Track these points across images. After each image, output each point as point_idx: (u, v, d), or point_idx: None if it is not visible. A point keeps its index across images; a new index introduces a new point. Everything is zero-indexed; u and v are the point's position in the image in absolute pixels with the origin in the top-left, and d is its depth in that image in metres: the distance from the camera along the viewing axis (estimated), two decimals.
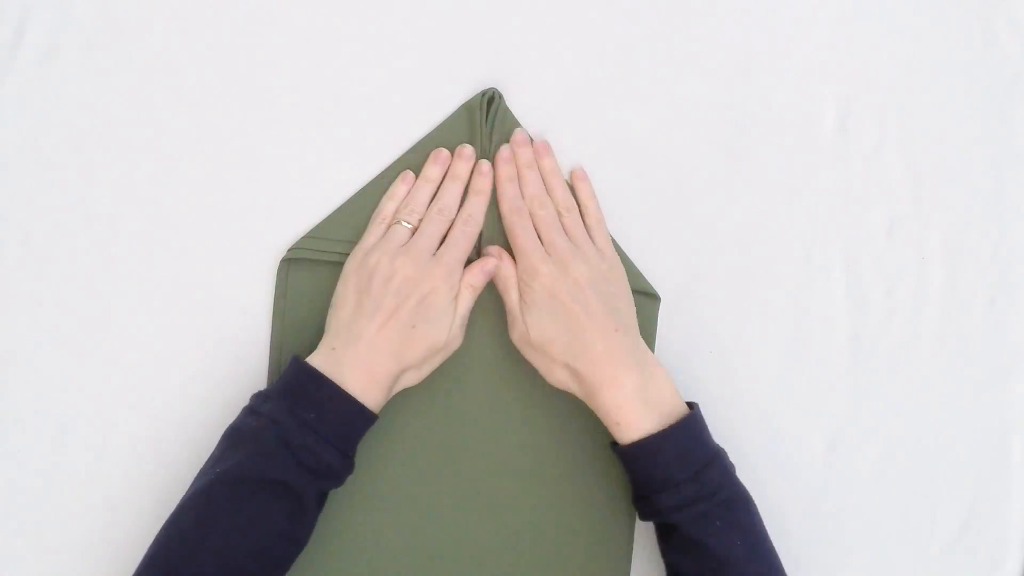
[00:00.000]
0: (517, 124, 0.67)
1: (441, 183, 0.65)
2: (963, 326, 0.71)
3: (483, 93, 0.67)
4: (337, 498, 0.62)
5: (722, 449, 0.61)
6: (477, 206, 0.64)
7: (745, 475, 0.66)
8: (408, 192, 0.65)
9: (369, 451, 0.64)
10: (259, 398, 0.59)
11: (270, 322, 0.66)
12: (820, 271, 0.71)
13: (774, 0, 0.72)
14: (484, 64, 0.69)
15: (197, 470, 0.65)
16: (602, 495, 0.67)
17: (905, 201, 0.72)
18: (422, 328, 0.60)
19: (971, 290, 0.72)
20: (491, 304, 0.66)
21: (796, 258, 0.71)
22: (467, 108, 0.67)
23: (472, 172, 0.65)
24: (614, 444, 0.61)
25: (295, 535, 0.58)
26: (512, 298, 0.63)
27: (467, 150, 0.65)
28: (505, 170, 0.65)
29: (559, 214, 0.64)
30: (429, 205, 0.64)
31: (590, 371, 0.60)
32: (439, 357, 0.62)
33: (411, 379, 0.62)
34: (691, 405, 0.61)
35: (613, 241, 0.67)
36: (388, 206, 0.65)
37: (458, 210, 0.64)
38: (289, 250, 0.66)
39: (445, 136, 0.67)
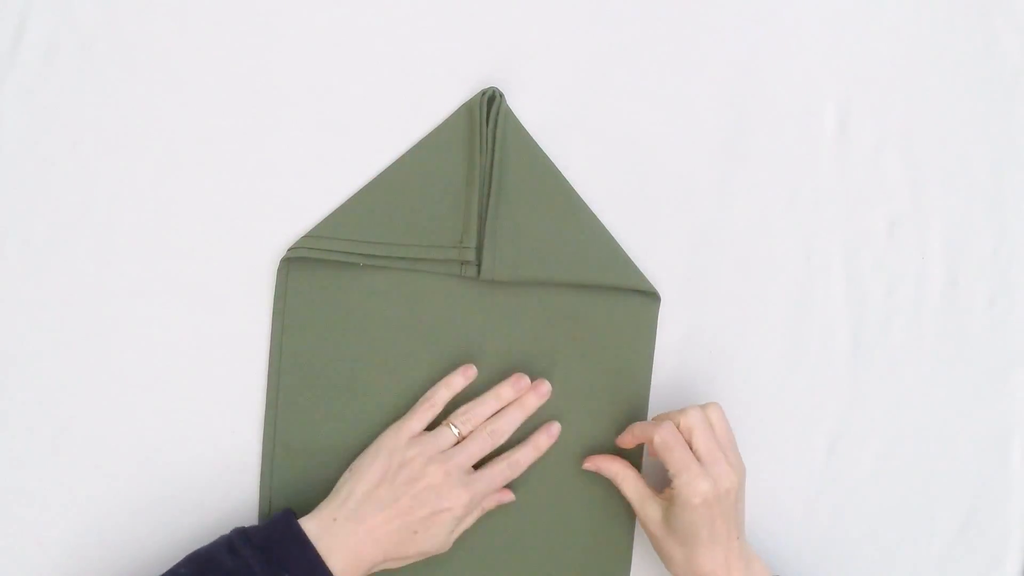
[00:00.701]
0: (518, 124, 0.67)
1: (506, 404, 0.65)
2: (963, 326, 0.71)
3: (483, 92, 0.67)
4: None
5: None
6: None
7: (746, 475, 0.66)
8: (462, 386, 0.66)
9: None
10: (241, 535, 0.59)
11: (270, 322, 0.66)
12: (820, 271, 0.71)
13: (774, 0, 0.72)
14: (484, 64, 0.69)
15: (197, 470, 0.65)
16: (602, 495, 0.67)
17: (905, 201, 0.72)
18: (422, 536, 0.60)
19: (971, 290, 0.72)
20: (491, 304, 0.66)
21: (796, 258, 0.71)
22: (467, 108, 0.67)
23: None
24: None
25: None
26: (641, 489, 0.64)
27: (544, 388, 0.66)
28: None
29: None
30: (487, 419, 0.64)
31: (701, 568, 0.61)
32: (422, 558, 0.62)
33: (388, 566, 0.62)
34: None
35: (614, 241, 0.67)
36: (441, 394, 0.65)
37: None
38: (289, 250, 0.66)
39: (445, 136, 0.67)
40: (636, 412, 0.68)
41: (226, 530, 0.60)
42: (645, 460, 0.68)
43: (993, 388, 0.71)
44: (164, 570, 0.58)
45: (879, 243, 0.71)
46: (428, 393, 0.65)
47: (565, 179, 0.67)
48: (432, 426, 0.64)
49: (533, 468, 0.66)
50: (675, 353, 0.69)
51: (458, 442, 0.63)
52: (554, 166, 0.67)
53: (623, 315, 0.68)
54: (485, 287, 0.66)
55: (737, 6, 0.71)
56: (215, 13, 0.68)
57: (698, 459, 0.61)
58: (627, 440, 0.66)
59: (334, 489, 0.62)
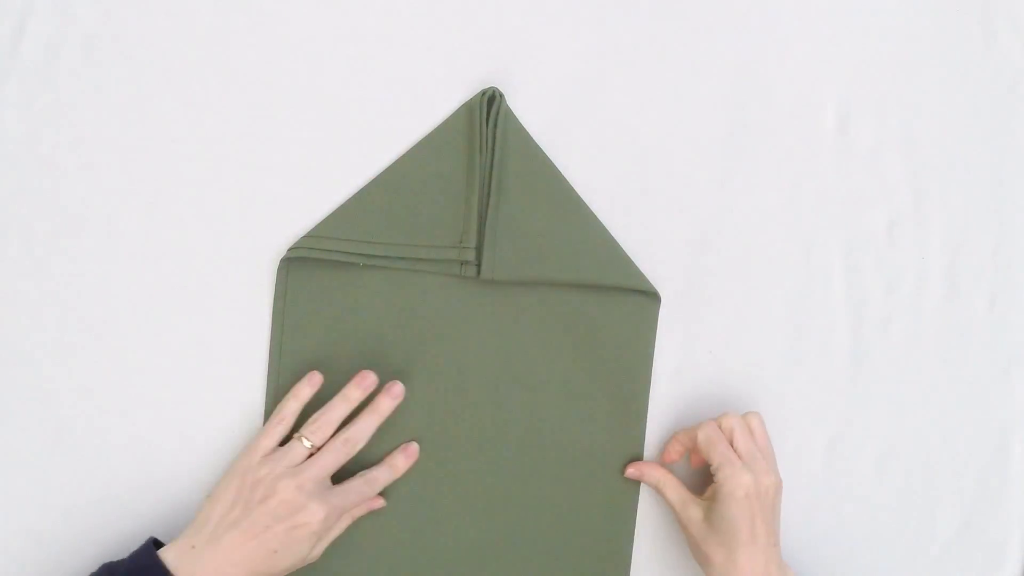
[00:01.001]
0: (518, 124, 0.67)
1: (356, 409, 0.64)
2: (963, 326, 0.71)
3: (483, 92, 0.67)
4: None
5: None
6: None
7: None
8: (309, 394, 0.64)
9: (369, 452, 0.64)
10: (105, 569, 0.59)
11: (270, 322, 0.66)
12: (820, 271, 0.71)
13: (774, 0, 0.72)
14: (484, 63, 0.69)
15: (197, 471, 0.65)
16: (602, 494, 0.67)
17: (905, 201, 0.72)
18: (282, 553, 0.59)
19: (971, 290, 0.72)
20: (491, 304, 0.66)
21: (796, 258, 0.71)
22: (467, 108, 0.67)
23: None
24: None
25: None
26: (681, 493, 0.65)
27: (397, 388, 0.65)
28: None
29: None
30: (338, 430, 0.63)
31: (741, 570, 0.61)
32: (291, 570, 0.62)
33: None
34: None
35: (614, 241, 0.67)
36: (290, 406, 0.63)
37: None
38: (289, 250, 0.66)
39: (445, 136, 0.67)
40: (636, 412, 0.68)
41: None
42: (682, 470, 0.68)
43: (993, 388, 0.71)
44: None
45: (879, 243, 0.71)
46: (277, 408, 0.64)
47: (565, 179, 0.67)
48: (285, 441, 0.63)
49: (533, 468, 0.66)
50: (675, 353, 0.69)
51: (311, 454, 0.61)
52: (554, 166, 0.67)
53: (623, 315, 0.68)
54: (485, 287, 0.67)
55: (737, 6, 0.71)
56: (215, 13, 0.68)
57: (739, 457, 0.62)
58: (674, 450, 0.67)
59: (194, 517, 0.61)
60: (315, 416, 0.63)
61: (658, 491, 0.66)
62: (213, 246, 0.67)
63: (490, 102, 0.67)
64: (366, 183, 0.67)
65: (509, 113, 0.67)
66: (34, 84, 0.67)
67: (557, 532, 0.67)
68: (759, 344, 0.70)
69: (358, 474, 0.64)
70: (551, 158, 0.68)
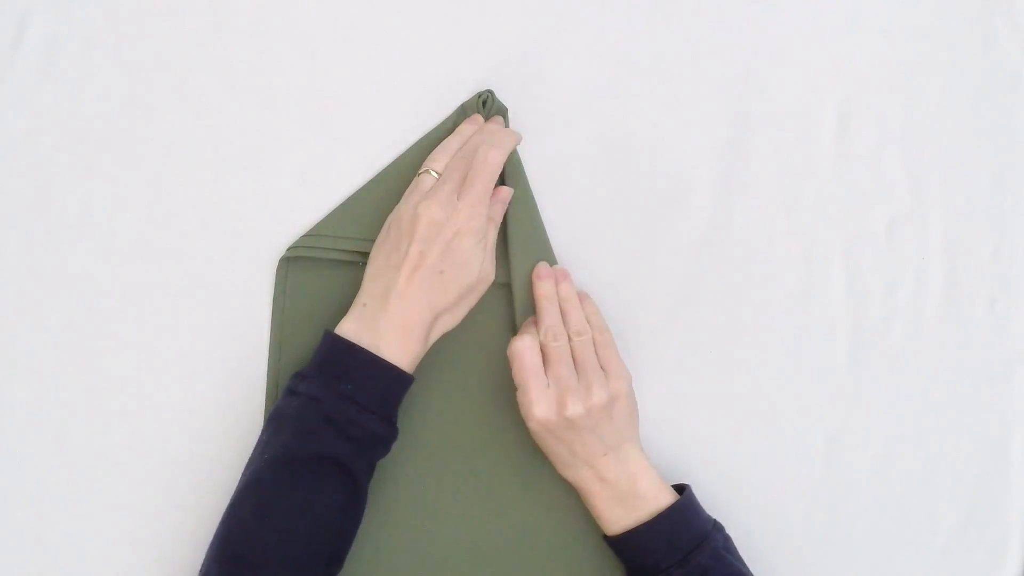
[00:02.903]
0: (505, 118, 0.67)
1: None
2: (963, 326, 0.71)
3: (479, 95, 0.67)
4: None
5: (716, 530, 0.62)
6: (496, 155, 0.62)
7: (745, 475, 0.66)
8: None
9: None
10: (296, 377, 0.59)
11: (270, 321, 0.66)
12: (820, 271, 0.71)
13: (774, 0, 0.72)
14: (483, 65, 0.69)
15: (198, 468, 0.65)
16: None
17: (905, 201, 0.72)
18: (450, 272, 0.59)
19: (971, 290, 0.72)
20: (495, 303, 0.66)
21: (796, 258, 0.71)
22: (463, 110, 0.68)
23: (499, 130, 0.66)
24: (605, 536, 0.63)
25: (351, 507, 0.58)
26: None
27: (499, 118, 0.66)
28: (544, 285, 0.64)
29: (570, 339, 0.63)
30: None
31: (576, 483, 0.63)
32: (473, 296, 0.62)
33: (447, 323, 0.62)
34: (681, 489, 0.62)
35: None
36: (442, 155, 0.65)
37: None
38: (288, 249, 0.66)
39: (443, 136, 0.67)
40: None
41: None
42: None
43: (993, 388, 0.71)
44: (164, 570, 0.58)
45: (879, 243, 0.71)
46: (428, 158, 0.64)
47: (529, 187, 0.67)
48: None
49: (534, 468, 0.66)
50: (675, 353, 0.69)
51: None
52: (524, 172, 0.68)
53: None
54: None
55: (737, 7, 0.71)
56: (215, 13, 0.68)
57: (551, 381, 0.61)
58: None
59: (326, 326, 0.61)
60: (435, 151, 0.64)
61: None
62: (213, 245, 0.67)
63: (484, 104, 0.67)
64: (365, 183, 0.67)
65: (504, 115, 0.67)
66: (34, 84, 0.67)
67: (557, 532, 0.67)
68: (759, 344, 0.70)
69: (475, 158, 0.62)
70: (551, 158, 0.68)
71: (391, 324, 0.59)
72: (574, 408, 0.60)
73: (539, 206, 0.67)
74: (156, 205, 0.67)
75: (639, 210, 0.69)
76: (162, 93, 0.67)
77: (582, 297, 0.66)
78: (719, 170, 0.70)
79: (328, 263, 0.66)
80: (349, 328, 0.59)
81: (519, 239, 0.66)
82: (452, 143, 0.65)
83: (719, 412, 0.69)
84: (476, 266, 0.60)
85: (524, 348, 0.61)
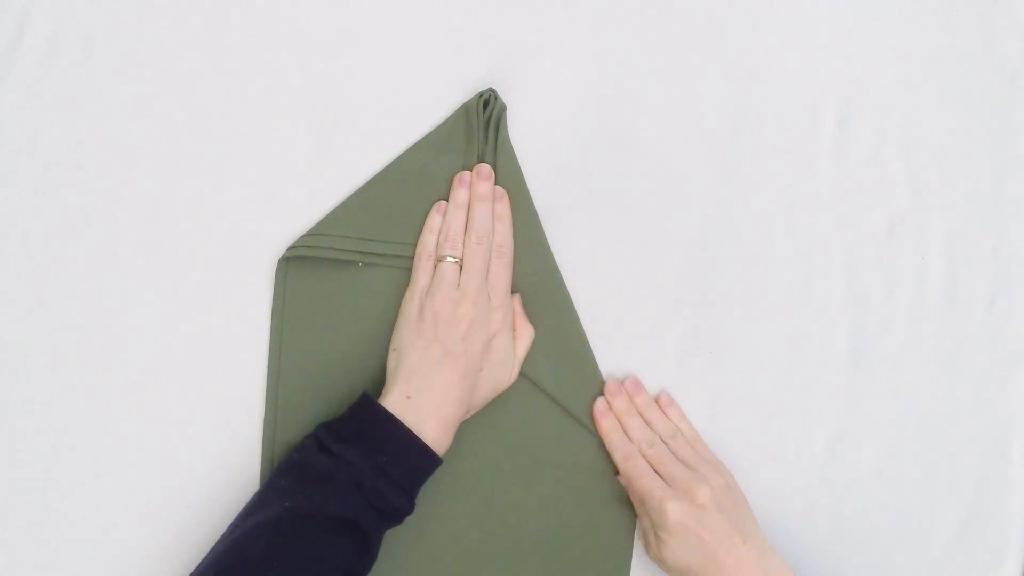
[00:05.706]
0: (506, 135, 0.67)
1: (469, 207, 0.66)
2: (963, 326, 0.71)
3: (480, 95, 0.67)
4: None
5: None
6: (505, 235, 0.65)
7: (745, 475, 0.66)
8: (442, 222, 0.65)
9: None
10: (330, 435, 0.59)
11: (269, 321, 0.66)
12: (820, 271, 0.71)
13: (775, 1, 0.72)
14: (484, 64, 0.69)
15: (197, 470, 0.65)
16: (602, 495, 0.67)
17: (905, 201, 0.72)
18: (488, 371, 0.62)
19: (971, 290, 0.72)
20: None
21: (796, 258, 0.71)
22: (465, 109, 0.68)
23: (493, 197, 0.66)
24: None
25: (358, 570, 0.59)
26: (645, 523, 0.64)
27: (485, 169, 0.66)
28: (607, 422, 0.66)
29: (666, 444, 0.65)
30: (465, 233, 0.65)
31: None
32: (496, 395, 0.64)
33: (471, 413, 0.64)
34: None
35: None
36: (429, 240, 0.65)
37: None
38: (288, 249, 0.66)
39: (443, 136, 0.67)
40: None
41: (225, 529, 0.60)
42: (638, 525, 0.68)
43: (993, 388, 0.71)
44: (163, 570, 0.58)
45: (879, 243, 0.71)
46: (418, 249, 0.65)
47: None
48: None
49: (534, 468, 0.66)
50: (675, 353, 0.69)
51: (460, 265, 0.63)
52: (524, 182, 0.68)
53: None
54: None
55: (737, 7, 0.71)
56: (215, 13, 0.68)
57: (667, 483, 0.62)
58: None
59: (388, 374, 0.62)
60: (441, 233, 0.64)
61: (639, 516, 0.66)
62: (212, 245, 0.67)
63: (486, 104, 0.67)
64: (365, 183, 0.67)
65: (503, 114, 0.67)
66: (34, 84, 0.67)
67: (557, 533, 0.67)
68: (759, 344, 0.70)
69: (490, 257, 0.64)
70: (551, 158, 0.68)
71: (435, 418, 0.60)
72: (701, 492, 0.61)
73: (538, 206, 0.67)
74: (156, 205, 0.67)
75: (639, 210, 0.69)
76: (162, 93, 0.67)
77: (665, 403, 0.67)
78: (719, 170, 0.70)
79: (328, 263, 0.66)
80: (395, 409, 0.60)
81: (519, 245, 0.66)
82: (457, 221, 0.65)
83: (719, 412, 0.69)
84: (510, 365, 0.64)
85: (632, 464, 0.63)
